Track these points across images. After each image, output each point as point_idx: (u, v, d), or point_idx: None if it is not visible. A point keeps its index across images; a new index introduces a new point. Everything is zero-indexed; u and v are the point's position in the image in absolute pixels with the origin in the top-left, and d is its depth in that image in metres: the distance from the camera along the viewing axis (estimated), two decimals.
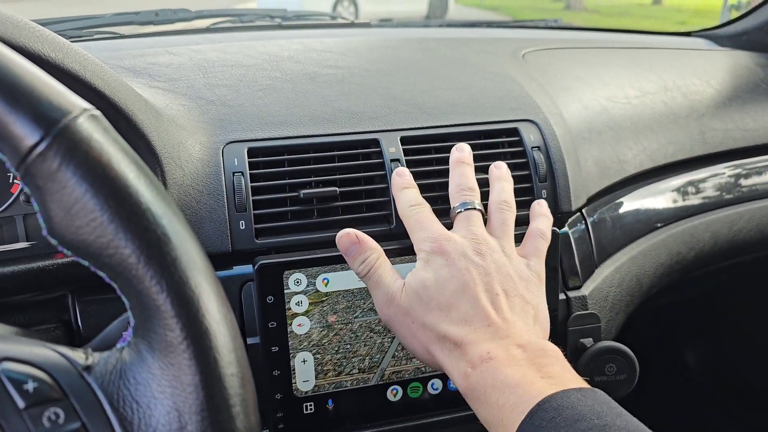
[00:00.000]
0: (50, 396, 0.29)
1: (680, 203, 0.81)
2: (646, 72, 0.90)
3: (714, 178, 0.85)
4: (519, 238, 0.58)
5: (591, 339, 0.64)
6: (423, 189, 0.59)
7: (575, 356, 0.63)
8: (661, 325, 1.28)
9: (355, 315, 0.57)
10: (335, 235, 0.54)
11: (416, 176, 0.59)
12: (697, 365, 1.30)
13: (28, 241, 0.54)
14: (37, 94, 0.30)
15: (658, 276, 0.76)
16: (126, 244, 0.30)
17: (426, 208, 0.56)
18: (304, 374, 0.57)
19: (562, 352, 0.48)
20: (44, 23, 0.72)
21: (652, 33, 1.21)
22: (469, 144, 0.61)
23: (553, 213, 0.61)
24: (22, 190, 0.54)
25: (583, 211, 0.70)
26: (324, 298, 0.56)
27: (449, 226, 0.55)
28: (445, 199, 0.59)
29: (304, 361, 0.56)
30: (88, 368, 0.31)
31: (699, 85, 0.90)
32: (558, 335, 0.64)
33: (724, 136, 0.87)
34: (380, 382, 0.59)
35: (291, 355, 0.56)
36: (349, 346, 0.57)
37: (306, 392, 0.57)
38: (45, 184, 0.29)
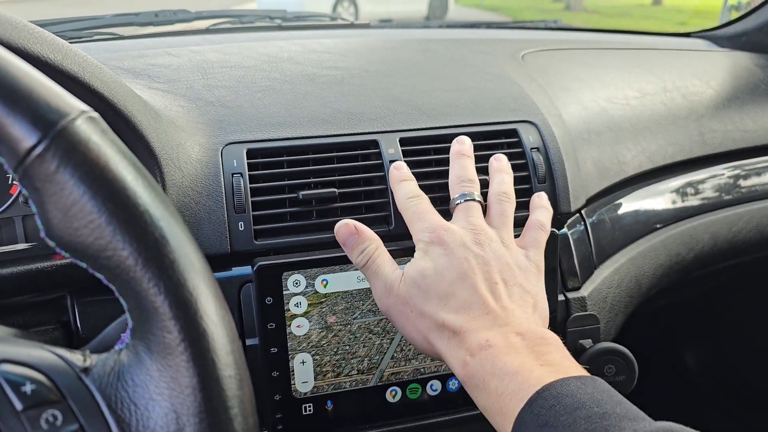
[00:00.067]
0: (48, 398, 0.29)
1: (679, 204, 0.81)
2: (646, 73, 0.90)
3: (713, 179, 0.85)
4: (518, 236, 0.58)
5: (590, 340, 0.64)
6: (422, 189, 0.58)
7: (574, 357, 0.63)
8: (660, 326, 1.28)
9: (354, 316, 0.57)
10: (334, 236, 0.54)
11: (415, 177, 0.59)
12: (696, 366, 1.30)
13: (27, 243, 0.54)
14: (35, 96, 0.30)
15: (657, 277, 0.76)
16: (124, 246, 0.30)
17: (424, 200, 0.56)
18: (303, 375, 0.57)
19: None
20: (43, 24, 0.72)
21: (652, 34, 1.21)
22: None
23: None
24: (21, 191, 0.54)
25: (583, 212, 0.70)
26: (323, 300, 0.56)
27: (448, 219, 0.55)
28: (445, 200, 0.59)
29: (303, 362, 0.56)
30: (86, 370, 0.31)
31: (698, 86, 0.90)
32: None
33: (723, 137, 0.87)
34: (379, 383, 0.59)
35: (290, 357, 0.56)
36: (348, 347, 0.57)
37: (305, 393, 0.57)
38: (43, 186, 0.29)
